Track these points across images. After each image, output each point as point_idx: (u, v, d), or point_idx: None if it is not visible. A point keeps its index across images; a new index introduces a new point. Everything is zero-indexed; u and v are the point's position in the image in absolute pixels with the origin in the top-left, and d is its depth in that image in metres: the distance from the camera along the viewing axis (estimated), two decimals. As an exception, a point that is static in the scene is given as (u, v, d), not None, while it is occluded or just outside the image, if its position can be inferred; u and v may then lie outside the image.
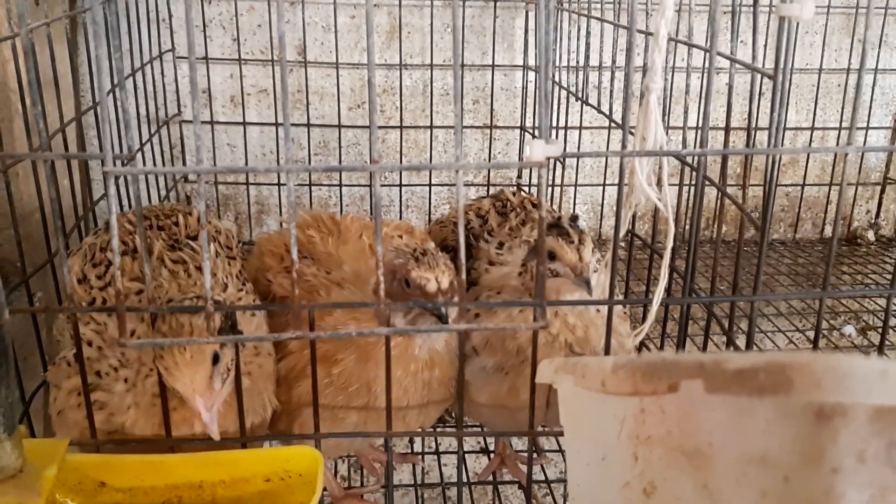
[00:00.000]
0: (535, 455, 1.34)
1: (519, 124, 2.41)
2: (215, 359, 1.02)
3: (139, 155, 1.95)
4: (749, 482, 0.66)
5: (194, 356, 1.00)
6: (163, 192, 2.14)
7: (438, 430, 2.22)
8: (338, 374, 1.27)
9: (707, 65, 1.03)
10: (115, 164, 0.90)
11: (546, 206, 0.97)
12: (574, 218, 1.29)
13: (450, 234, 1.57)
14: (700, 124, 1.03)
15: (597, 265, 1.26)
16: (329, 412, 1.29)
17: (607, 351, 1.13)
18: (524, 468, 1.61)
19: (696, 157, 1.16)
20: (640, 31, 1.31)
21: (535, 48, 2.27)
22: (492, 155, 2.44)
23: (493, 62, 2.35)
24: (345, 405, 1.29)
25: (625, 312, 1.43)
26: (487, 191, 2.46)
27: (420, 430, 1.41)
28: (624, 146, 1.01)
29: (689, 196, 1.56)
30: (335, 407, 1.28)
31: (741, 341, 1.28)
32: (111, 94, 1.49)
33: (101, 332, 1.16)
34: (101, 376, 1.14)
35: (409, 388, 1.28)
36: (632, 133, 1.02)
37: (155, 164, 2.13)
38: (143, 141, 2.00)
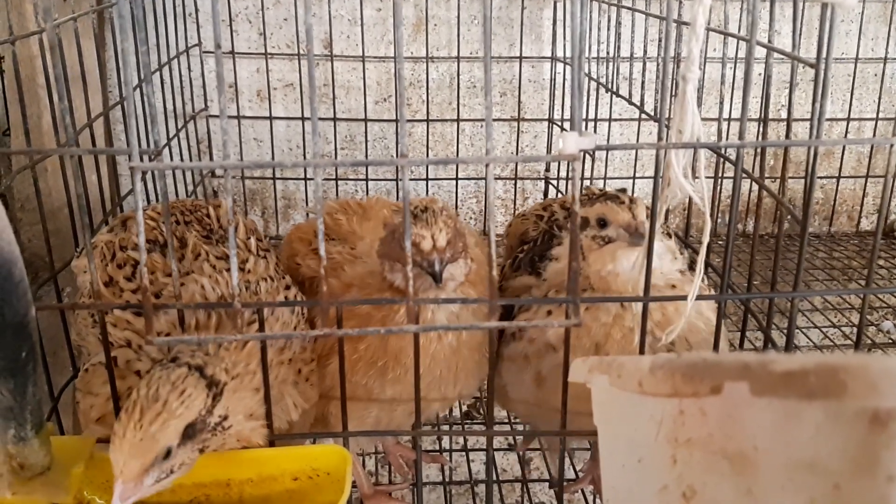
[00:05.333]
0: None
1: (547, 117, 2.38)
2: (167, 453, 0.93)
3: (166, 150, 1.95)
4: (796, 489, 0.64)
5: (144, 441, 0.90)
6: (190, 188, 2.14)
7: (467, 428, 2.21)
8: (364, 349, 1.25)
9: (746, 55, 0.99)
10: (141, 160, 0.88)
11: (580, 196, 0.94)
12: (621, 190, 1.24)
13: (531, 226, 1.53)
14: (733, 115, 1.00)
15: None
16: (363, 390, 1.27)
17: (642, 350, 1.10)
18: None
19: (735, 150, 1.12)
20: (675, 21, 1.28)
21: (566, 39, 2.24)
22: (519, 148, 2.41)
23: (521, 54, 2.32)
24: (377, 380, 1.27)
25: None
26: (515, 185, 2.44)
27: (458, 400, 1.38)
28: (660, 138, 0.98)
29: (720, 189, 1.53)
30: (368, 384, 1.27)
31: (777, 338, 1.24)
32: (138, 89, 1.49)
33: (141, 332, 1.13)
34: (142, 376, 1.10)
35: (436, 354, 1.25)
36: (666, 125, 0.99)
37: (182, 160, 2.13)
38: (170, 136, 2.00)
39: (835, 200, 2.56)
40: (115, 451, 0.91)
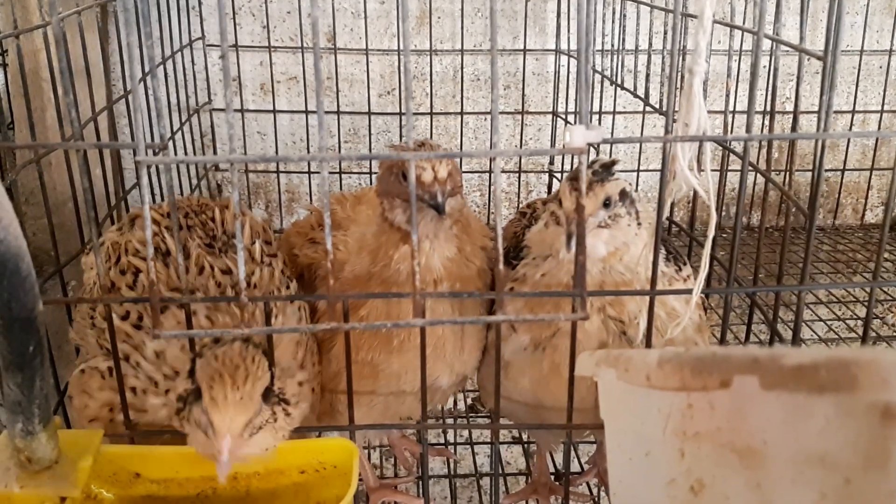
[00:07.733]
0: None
1: (551, 109, 2.38)
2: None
3: (170, 144, 1.94)
4: (806, 483, 0.63)
5: (244, 399, 0.94)
6: (194, 182, 2.14)
7: (472, 421, 2.21)
8: (366, 315, 1.24)
9: (753, 47, 0.98)
10: (147, 154, 0.88)
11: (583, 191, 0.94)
12: (609, 164, 1.22)
13: (517, 224, 1.55)
14: (739, 108, 0.99)
15: (608, 220, 1.17)
16: (370, 368, 1.26)
17: (648, 343, 1.10)
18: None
19: (742, 143, 1.12)
20: (682, 14, 1.27)
21: (570, 32, 2.23)
22: (523, 141, 2.41)
23: (525, 46, 2.31)
24: (383, 351, 1.25)
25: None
26: (518, 178, 2.43)
27: (463, 375, 1.38)
28: (667, 131, 0.98)
29: (725, 181, 1.53)
30: (374, 358, 1.26)
31: (782, 331, 1.24)
32: (142, 83, 1.49)
33: (140, 348, 1.12)
34: (137, 394, 1.10)
35: (435, 309, 1.23)
36: (673, 118, 0.99)
37: (186, 154, 2.12)
38: (174, 130, 2.00)
39: (839, 193, 2.55)
40: (219, 414, 0.93)
